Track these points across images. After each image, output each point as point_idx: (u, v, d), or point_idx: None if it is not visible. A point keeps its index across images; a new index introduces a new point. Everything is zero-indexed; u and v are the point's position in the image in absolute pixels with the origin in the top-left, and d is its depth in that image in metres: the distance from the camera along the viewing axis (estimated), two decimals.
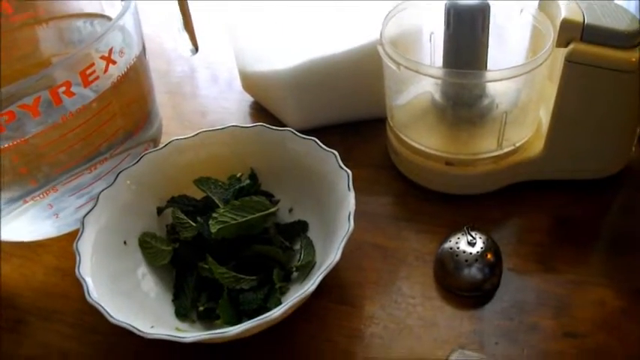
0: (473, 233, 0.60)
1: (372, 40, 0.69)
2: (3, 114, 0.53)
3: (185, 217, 0.61)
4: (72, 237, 0.57)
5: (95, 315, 0.50)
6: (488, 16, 0.62)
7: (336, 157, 0.60)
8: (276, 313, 0.49)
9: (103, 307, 0.51)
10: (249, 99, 0.87)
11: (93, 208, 0.59)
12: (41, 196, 0.61)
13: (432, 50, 0.72)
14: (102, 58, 0.59)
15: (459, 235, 0.60)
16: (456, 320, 0.57)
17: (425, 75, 0.63)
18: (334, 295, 0.60)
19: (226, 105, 0.88)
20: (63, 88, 0.55)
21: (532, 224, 0.65)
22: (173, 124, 0.84)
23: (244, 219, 0.59)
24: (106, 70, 0.60)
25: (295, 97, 0.76)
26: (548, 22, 0.63)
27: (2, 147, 0.55)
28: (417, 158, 0.68)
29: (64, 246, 0.67)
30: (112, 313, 0.50)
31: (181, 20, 0.74)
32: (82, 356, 0.58)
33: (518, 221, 0.66)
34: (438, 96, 0.68)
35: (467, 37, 0.63)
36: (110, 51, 0.59)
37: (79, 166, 0.62)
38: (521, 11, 0.67)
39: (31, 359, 0.59)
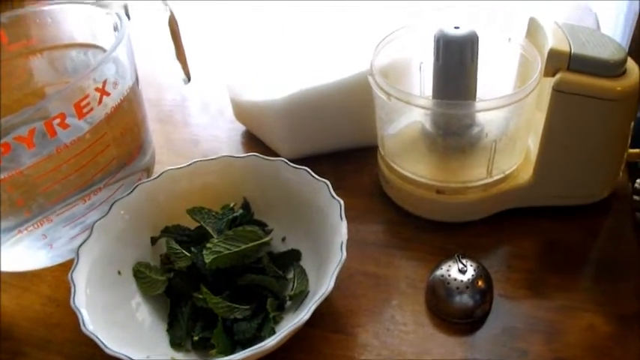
0: (464, 261, 0.60)
1: (362, 71, 0.70)
2: None
3: (179, 247, 0.62)
4: (66, 267, 0.58)
5: (91, 345, 0.51)
6: (477, 45, 0.63)
7: (328, 186, 0.61)
8: (270, 343, 0.50)
9: (98, 338, 0.51)
10: (240, 127, 0.88)
11: (87, 238, 0.60)
12: (35, 226, 0.62)
13: (422, 80, 0.73)
14: (96, 89, 0.60)
15: (450, 263, 0.61)
16: (448, 347, 0.58)
17: (415, 106, 0.64)
18: (327, 324, 0.61)
19: (218, 134, 0.88)
20: (57, 120, 0.56)
21: (522, 250, 0.66)
22: (165, 153, 0.84)
23: (238, 249, 0.60)
24: (100, 102, 0.60)
25: (287, 127, 0.76)
26: (535, 52, 0.64)
27: None
28: (408, 187, 0.68)
29: (59, 276, 0.67)
30: (107, 344, 0.51)
31: (174, 50, 0.75)
32: None
33: (508, 248, 0.67)
34: (428, 125, 0.69)
35: (456, 67, 0.64)
36: (104, 83, 0.60)
37: (73, 196, 0.62)
38: (509, 40, 0.68)
39: None
